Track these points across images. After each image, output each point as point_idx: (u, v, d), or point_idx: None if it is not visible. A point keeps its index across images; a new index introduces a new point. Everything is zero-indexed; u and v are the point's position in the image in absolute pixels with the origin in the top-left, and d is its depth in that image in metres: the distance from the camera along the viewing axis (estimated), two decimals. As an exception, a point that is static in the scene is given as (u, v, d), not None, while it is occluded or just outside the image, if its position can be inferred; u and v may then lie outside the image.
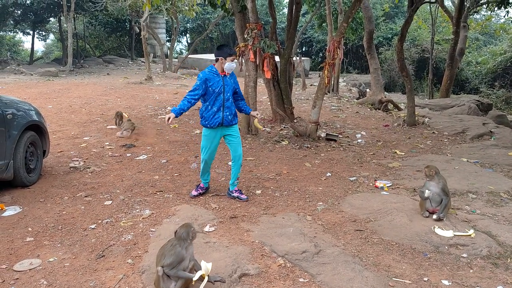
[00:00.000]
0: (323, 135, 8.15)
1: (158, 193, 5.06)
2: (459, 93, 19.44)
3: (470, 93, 19.81)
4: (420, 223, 4.22)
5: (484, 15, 23.17)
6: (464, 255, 3.67)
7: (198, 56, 25.46)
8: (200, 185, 5.04)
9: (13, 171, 4.93)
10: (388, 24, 25.51)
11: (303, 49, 29.32)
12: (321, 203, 4.88)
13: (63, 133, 7.86)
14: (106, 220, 4.29)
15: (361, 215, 4.49)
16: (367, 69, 16.93)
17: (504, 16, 19.17)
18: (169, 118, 4.40)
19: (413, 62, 21.89)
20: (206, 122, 4.70)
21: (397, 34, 13.48)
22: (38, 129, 5.53)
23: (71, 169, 5.89)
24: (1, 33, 25.79)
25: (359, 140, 8.19)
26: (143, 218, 4.36)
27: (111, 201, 4.79)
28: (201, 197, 4.95)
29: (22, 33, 27.97)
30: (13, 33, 28.52)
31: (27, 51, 31.04)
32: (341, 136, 8.42)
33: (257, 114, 5.14)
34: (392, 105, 13.11)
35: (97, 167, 6.01)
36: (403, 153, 7.29)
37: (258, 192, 5.20)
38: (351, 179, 5.79)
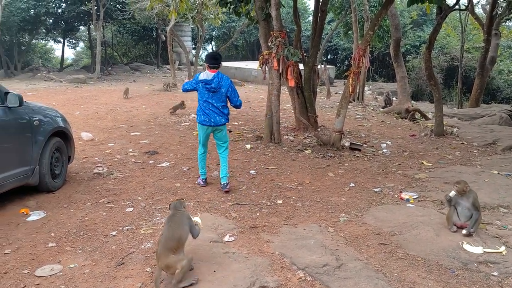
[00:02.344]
0: (347, 144, 8.01)
1: (179, 201, 5.04)
2: (489, 102, 18.87)
3: (501, 102, 19.21)
4: (447, 238, 4.05)
5: (516, 22, 22.52)
6: (495, 273, 3.49)
7: (223, 63, 25.62)
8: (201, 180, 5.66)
9: (39, 177, 5.02)
10: (416, 32, 25.11)
11: (328, 57, 29.20)
12: (343, 214, 4.76)
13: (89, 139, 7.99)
14: (127, 227, 4.30)
15: (385, 228, 4.35)
16: (393, 77, 16.66)
17: (537, 24, 18.57)
18: None
19: (441, 70, 21.45)
20: None
21: (425, 42, 13.20)
22: (63, 135, 5.62)
23: (95, 175, 5.96)
24: (34, 41, 26.72)
25: (384, 150, 8.01)
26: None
27: (132, 208, 4.80)
28: (221, 206, 4.92)
29: (53, 41, 29.02)
30: (45, 41, 29.63)
31: (57, 58, 32.08)
32: (366, 145, 8.26)
33: None
34: (419, 115, 12.83)
35: (120, 173, 6.07)
36: (431, 164, 7.08)
37: (280, 201, 5.12)
38: (375, 190, 5.64)
